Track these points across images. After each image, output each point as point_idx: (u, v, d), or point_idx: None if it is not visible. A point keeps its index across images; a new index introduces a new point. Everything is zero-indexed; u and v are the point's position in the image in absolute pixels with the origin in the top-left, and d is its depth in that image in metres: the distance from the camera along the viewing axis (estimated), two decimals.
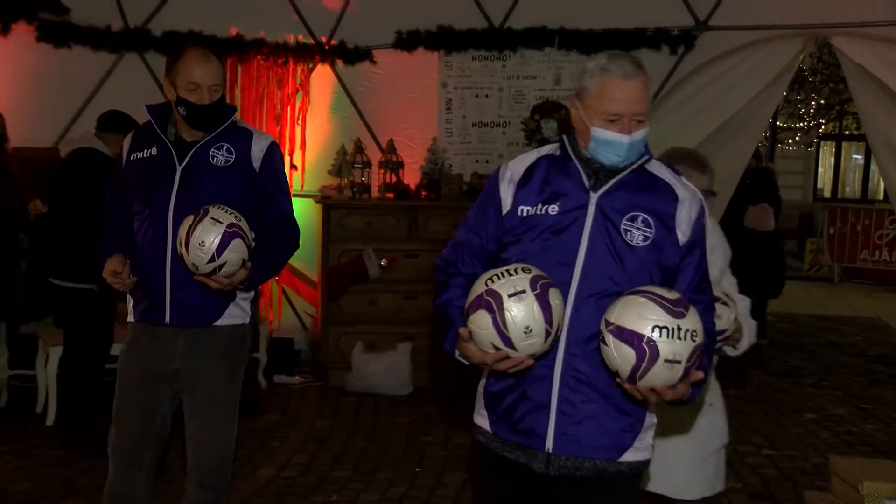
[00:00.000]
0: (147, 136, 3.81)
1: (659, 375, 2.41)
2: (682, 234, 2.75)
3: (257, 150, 3.78)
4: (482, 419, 2.91)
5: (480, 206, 2.90)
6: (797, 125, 22.01)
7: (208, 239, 3.33)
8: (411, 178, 8.27)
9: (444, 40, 8.18)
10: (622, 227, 2.71)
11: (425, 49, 8.24)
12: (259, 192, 3.80)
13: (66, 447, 6.12)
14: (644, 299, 2.45)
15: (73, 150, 6.06)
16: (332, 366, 7.96)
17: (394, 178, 8.21)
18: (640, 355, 2.38)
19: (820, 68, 16.75)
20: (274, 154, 3.87)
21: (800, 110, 21.39)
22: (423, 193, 8.14)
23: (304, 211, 8.24)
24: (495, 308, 2.58)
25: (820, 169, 23.49)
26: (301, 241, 8.17)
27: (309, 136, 8.54)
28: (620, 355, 2.41)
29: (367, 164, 8.24)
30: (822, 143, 23.14)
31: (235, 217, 3.45)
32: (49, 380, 6.64)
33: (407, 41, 8.19)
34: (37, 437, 6.39)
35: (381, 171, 8.25)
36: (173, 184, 3.67)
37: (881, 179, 15.53)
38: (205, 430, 3.85)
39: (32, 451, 6.14)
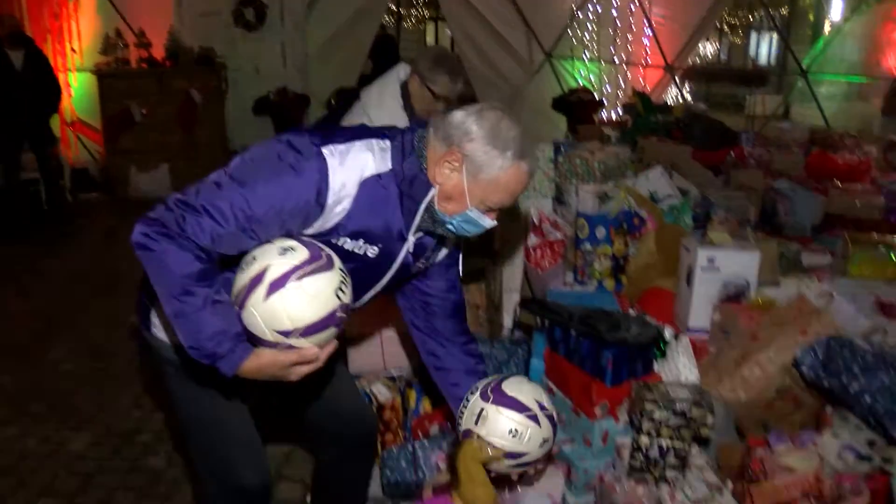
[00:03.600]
0: None
1: None
2: None
3: None
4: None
5: (273, 201, 1.54)
6: (412, 11, 22.92)
7: None
8: (158, 52, 8.03)
9: None
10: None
11: None
12: None
13: None
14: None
15: None
16: (116, 184, 7.85)
17: (146, 54, 7.97)
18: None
19: None
20: None
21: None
22: (168, 63, 7.97)
23: (85, 81, 8.05)
24: None
25: (427, 38, 24.72)
26: (85, 101, 8.06)
27: (82, 28, 8.02)
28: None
29: (126, 45, 7.92)
30: (427, 22, 24.35)
31: None
32: None
33: None
34: None
35: (137, 50, 7.96)
36: None
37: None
38: None
39: None
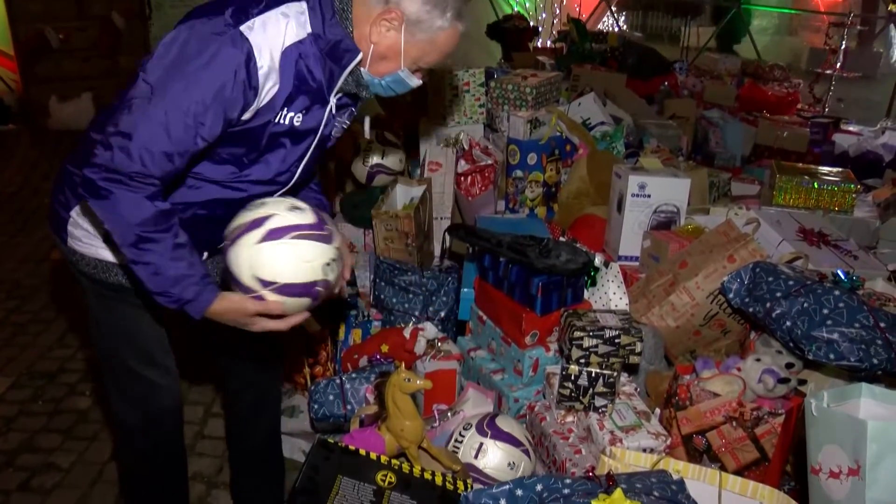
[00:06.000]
0: None
1: None
2: None
3: None
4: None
5: (208, 96, 1.42)
6: None
7: None
8: None
9: None
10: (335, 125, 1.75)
11: None
12: None
13: None
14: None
15: None
16: (35, 115, 7.29)
17: None
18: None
19: None
20: None
21: None
22: None
23: None
24: None
25: None
26: None
27: None
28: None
29: None
30: None
31: None
32: None
33: None
34: None
35: None
36: None
37: None
38: None
39: None
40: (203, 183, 1.62)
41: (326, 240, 1.52)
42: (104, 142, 1.42)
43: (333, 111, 1.67)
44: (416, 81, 1.64)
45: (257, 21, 1.46)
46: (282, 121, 1.57)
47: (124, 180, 1.40)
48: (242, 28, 1.44)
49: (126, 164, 1.40)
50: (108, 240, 1.68)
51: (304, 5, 1.54)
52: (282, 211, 1.49)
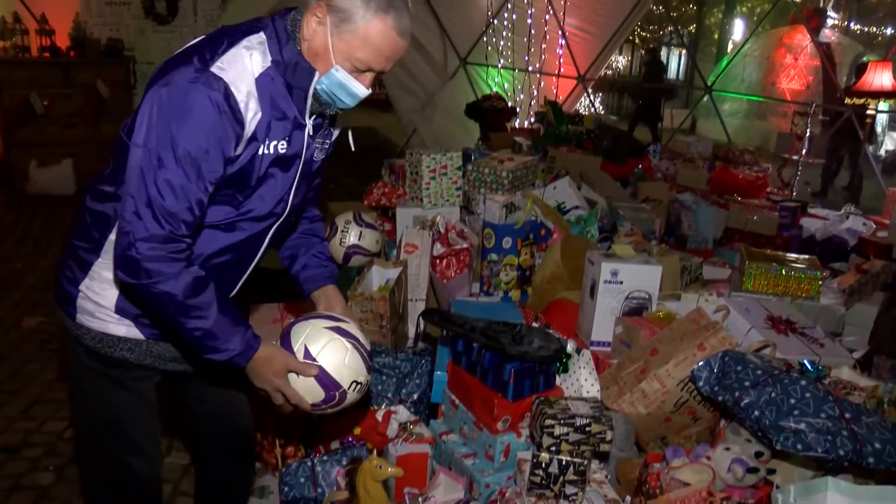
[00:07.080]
0: None
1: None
2: None
3: None
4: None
5: (204, 141, 1.48)
6: None
7: None
8: (62, 41, 7.62)
9: None
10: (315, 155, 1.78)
11: None
12: None
13: None
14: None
15: None
16: (15, 178, 7.30)
17: (48, 42, 7.54)
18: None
19: None
20: None
21: None
22: (73, 53, 7.58)
23: None
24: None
25: None
26: None
27: None
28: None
29: (26, 31, 7.48)
30: None
31: None
32: None
33: None
34: None
35: (38, 37, 7.53)
36: None
37: None
38: None
39: None
40: (203, 230, 1.64)
41: (369, 366, 1.71)
42: (130, 217, 1.48)
43: (311, 133, 1.70)
44: (360, 88, 1.62)
45: (225, 59, 1.53)
46: (266, 151, 1.60)
47: (164, 254, 1.48)
48: (213, 69, 1.50)
49: (158, 230, 1.47)
50: (121, 312, 1.70)
51: (262, 35, 1.59)
52: (353, 328, 1.71)
